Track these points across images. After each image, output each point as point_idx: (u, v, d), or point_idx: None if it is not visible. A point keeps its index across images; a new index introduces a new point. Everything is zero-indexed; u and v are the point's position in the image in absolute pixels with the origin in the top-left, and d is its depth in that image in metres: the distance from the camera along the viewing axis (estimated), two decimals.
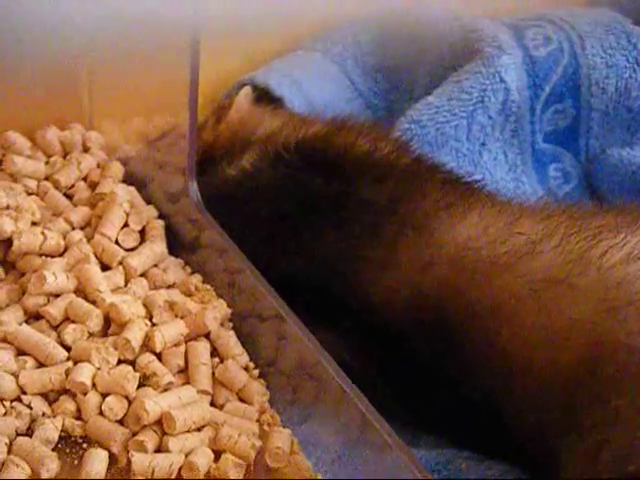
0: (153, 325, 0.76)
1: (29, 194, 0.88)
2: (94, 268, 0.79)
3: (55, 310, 0.76)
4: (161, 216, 0.87)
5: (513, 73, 0.96)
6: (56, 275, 0.77)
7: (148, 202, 0.88)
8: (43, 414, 0.70)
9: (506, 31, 0.99)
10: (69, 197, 0.89)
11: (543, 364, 0.68)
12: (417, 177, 0.82)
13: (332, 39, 1.07)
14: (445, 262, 0.74)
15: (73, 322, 0.75)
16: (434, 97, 0.95)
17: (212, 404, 0.74)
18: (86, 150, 0.94)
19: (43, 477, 0.66)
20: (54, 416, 0.70)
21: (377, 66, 1.06)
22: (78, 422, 0.70)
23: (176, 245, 0.86)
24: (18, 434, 0.69)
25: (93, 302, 0.77)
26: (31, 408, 0.70)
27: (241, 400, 0.75)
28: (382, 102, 1.06)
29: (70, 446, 0.70)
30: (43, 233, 0.81)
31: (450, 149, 0.96)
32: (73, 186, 0.90)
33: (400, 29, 1.05)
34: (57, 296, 0.77)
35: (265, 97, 0.99)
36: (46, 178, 0.90)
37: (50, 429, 0.69)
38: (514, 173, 1.00)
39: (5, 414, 0.69)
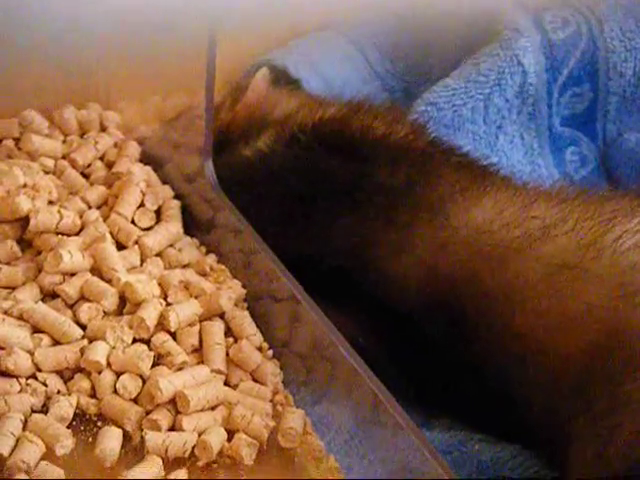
0: (168, 305, 0.77)
1: (46, 173, 0.88)
2: (110, 247, 0.79)
3: (71, 289, 0.76)
4: (177, 196, 0.87)
5: (531, 56, 0.96)
6: (72, 254, 0.77)
7: (164, 182, 0.89)
8: (58, 392, 0.71)
9: (524, 14, 0.98)
10: (86, 176, 0.89)
11: (556, 348, 0.68)
12: (432, 160, 0.82)
13: (349, 20, 1.06)
14: (459, 245, 0.74)
15: (88, 301, 0.76)
16: (451, 79, 0.95)
17: (226, 384, 0.74)
18: (103, 129, 0.94)
19: (58, 454, 0.67)
20: (69, 394, 0.71)
21: (395, 48, 1.06)
22: (93, 400, 0.71)
23: (192, 225, 0.86)
24: (33, 411, 0.69)
25: (109, 281, 0.77)
26: (46, 385, 0.71)
27: (255, 380, 0.75)
28: (399, 84, 1.06)
29: (84, 424, 0.70)
30: (60, 212, 0.81)
31: (467, 132, 0.96)
32: (90, 165, 0.90)
33: (417, 9, 1.04)
34: (73, 275, 0.77)
35: (282, 78, 0.99)
36: (63, 157, 0.91)
37: (65, 407, 0.70)
38: (531, 156, 0.99)
39: (20, 391, 0.70)
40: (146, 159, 0.91)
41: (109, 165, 0.90)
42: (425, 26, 1.04)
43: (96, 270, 0.78)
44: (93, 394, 0.71)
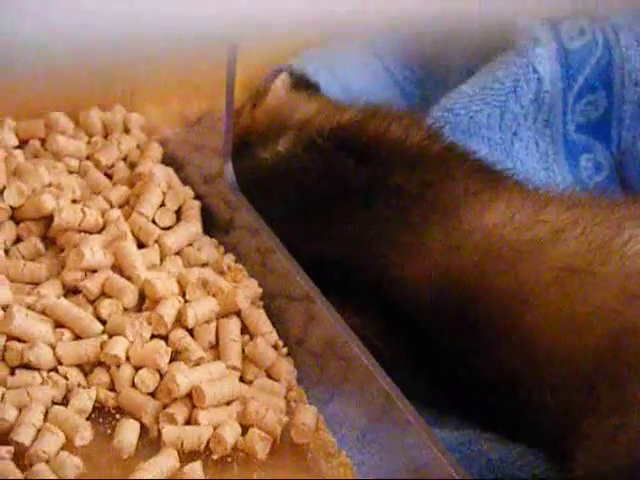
0: (186, 302, 0.78)
1: (70, 172, 0.90)
2: (131, 245, 0.81)
3: (92, 285, 0.78)
4: (197, 197, 0.89)
5: (547, 64, 0.97)
6: (94, 251, 0.79)
7: (185, 183, 0.90)
8: (78, 385, 0.73)
9: (541, 23, 0.99)
10: (109, 176, 0.91)
11: (565, 349, 0.69)
12: (447, 164, 0.83)
13: (369, 28, 1.08)
14: (472, 247, 0.76)
15: (109, 297, 0.78)
16: (467, 86, 0.97)
17: (241, 380, 0.76)
18: (127, 131, 0.96)
19: (77, 444, 0.69)
20: (89, 387, 0.73)
21: (413, 55, 1.07)
22: (111, 393, 0.73)
23: (211, 225, 0.88)
24: (54, 403, 0.71)
25: (129, 278, 0.79)
26: (67, 378, 0.73)
27: (269, 377, 0.77)
28: (417, 90, 1.07)
29: (103, 416, 0.72)
30: (83, 210, 0.83)
31: (482, 137, 0.97)
32: (113, 166, 0.92)
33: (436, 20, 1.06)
34: (94, 272, 0.80)
35: (302, 83, 1.01)
36: (87, 157, 0.93)
37: (85, 399, 0.72)
38: (545, 162, 1.01)
39: (42, 383, 0.72)
40: (168, 160, 0.93)
41: (132, 166, 0.92)
42: (442, 34, 1.05)
43: (117, 267, 0.80)
44: (112, 387, 0.73)
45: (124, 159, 0.93)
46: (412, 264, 0.78)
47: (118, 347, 0.73)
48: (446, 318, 0.76)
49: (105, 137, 0.95)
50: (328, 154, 0.85)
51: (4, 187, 0.84)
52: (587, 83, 1.00)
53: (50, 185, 0.86)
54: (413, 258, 0.78)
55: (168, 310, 0.76)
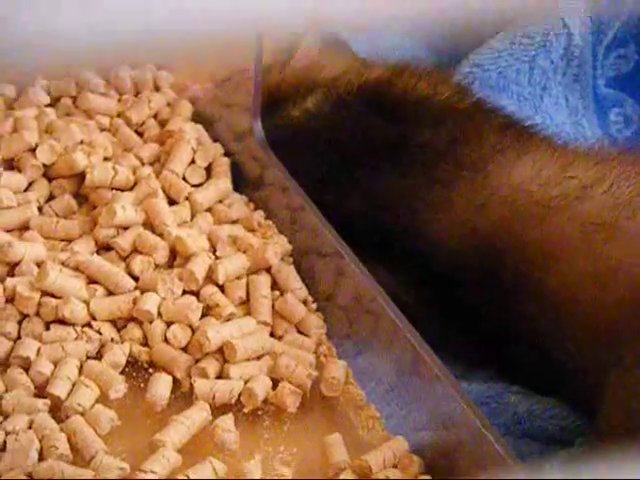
0: (217, 258, 0.79)
1: (102, 130, 0.91)
2: (161, 202, 0.82)
3: (124, 242, 0.79)
4: (227, 154, 0.90)
5: (576, 18, 0.97)
6: (125, 208, 0.80)
7: (215, 140, 0.91)
8: (112, 340, 0.74)
9: None
10: (139, 134, 0.92)
11: (590, 303, 0.70)
12: (475, 121, 0.84)
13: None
14: (499, 204, 0.76)
15: (141, 253, 0.79)
16: (496, 41, 0.97)
17: (271, 335, 0.77)
18: (157, 89, 0.97)
19: (111, 397, 0.70)
20: (122, 342, 0.74)
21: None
22: (144, 348, 0.74)
23: (241, 182, 0.89)
24: (88, 357, 0.73)
25: (160, 235, 0.80)
26: (100, 334, 0.74)
27: (299, 332, 0.78)
28: (448, 46, 1.07)
29: (136, 371, 0.74)
30: (114, 168, 0.84)
31: (511, 93, 0.97)
32: (143, 123, 0.93)
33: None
34: (126, 229, 0.81)
35: (332, 41, 1.01)
36: (118, 115, 0.93)
37: (118, 354, 0.73)
38: (575, 117, 1.00)
39: (76, 339, 0.74)
40: (198, 118, 0.93)
41: (162, 123, 0.93)
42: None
43: (148, 224, 0.81)
44: (145, 342, 0.75)
45: (154, 117, 0.94)
46: (440, 220, 0.79)
47: (150, 303, 0.75)
48: (473, 273, 0.77)
49: (135, 95, 0.96)
50: (356, 111, 0.86)
51: (37, 145, 0.86)
52: (617, 37, 1.00)
53: (82, 143, 0.87)
54: (441, 214, 0.79)
55: (199, 266, 0.77)
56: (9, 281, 0.75)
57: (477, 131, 0.82)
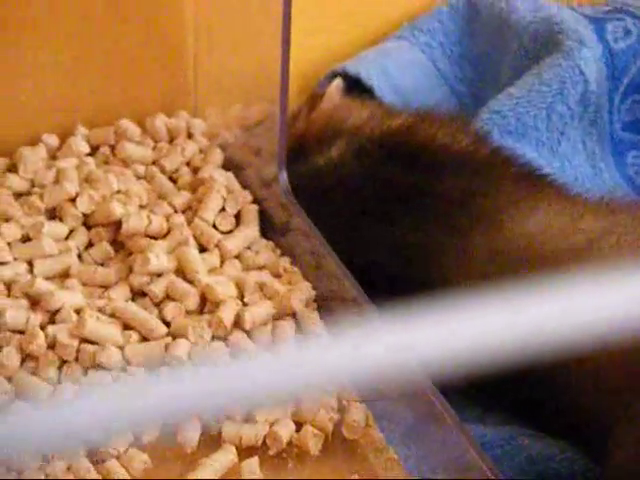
0: (244, 305, 0.84)
1: (138, 178, 0.96)
2: (193, 251, 0.86)
3: (157, 289, 0.84)
4: (255, 200, 0.94)
5: (592, 66, 1.00)
6: (159, 257, 0.85)
7: (244, 186, 0.95)
8: None
9: (587, 24, 1.02)
10: (173, 180, 0.97)
11: (596, 353, 0.73)
12: (492, 171, 0.87)
13: (419, 28, 1.12)
14: (511, 254, 0.80)
15: (173, 300, 0.83)
16: (515, 88, 1.00)
17: None
18: (190, 136, 1.02)
19: (144, 441, 0.75)
20: None
21: (463, 54, 1.11)
22: None
23: (268, 228, 0.93)
24: None
25: (191, 282, 0.84)
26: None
27: None
28: (467, 89, 1.11)
29: None
30: (149, 217, 0.89)
31: (530, 138, 1.00)
32: (177, 170, 0.98)
33: (486, 19, 1.09)
34: (159, 275, 0.85)
35: (355, 86, 1.05)
36: (153, 162, 0.98)
37: None
38: (592, 160, 1.04)
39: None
40: (228, 164, 0.98)
41: (194, 170, 0.98)
42: (493, 34, 1.08)
43: (180, 271, 0.86)
44: None
45: (187, 164, 0.99)
46: (456, 269, 0.82)
47: (181, 349, 0.79)
48: None
49: (170, 142, 1.01)
50: (377, 161, 0.90)
51: (77, 194, 0.91)
52: (632, 83, 1.03)
53: (119, 192, 0.92)
54: (457, 263, 0.82)
55: (227, 313, 0.81)
56: (50, 329, 0.80)
57: (493, 181, 0.86)
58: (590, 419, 0.74)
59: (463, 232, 0.83)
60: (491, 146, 0.92)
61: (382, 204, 0.87)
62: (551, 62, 1.00)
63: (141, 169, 0.97)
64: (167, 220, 0.91)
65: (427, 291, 0.83)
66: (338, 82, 1.02)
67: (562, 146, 1.01)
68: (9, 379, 0.78)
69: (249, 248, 0.90)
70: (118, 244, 0.90)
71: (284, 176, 0.90)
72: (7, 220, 0.89)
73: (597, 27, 1.02)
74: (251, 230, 0.91)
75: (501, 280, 0.80)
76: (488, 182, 0.86)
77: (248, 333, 0.82)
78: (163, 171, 0.97)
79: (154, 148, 1.00)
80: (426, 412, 0.74)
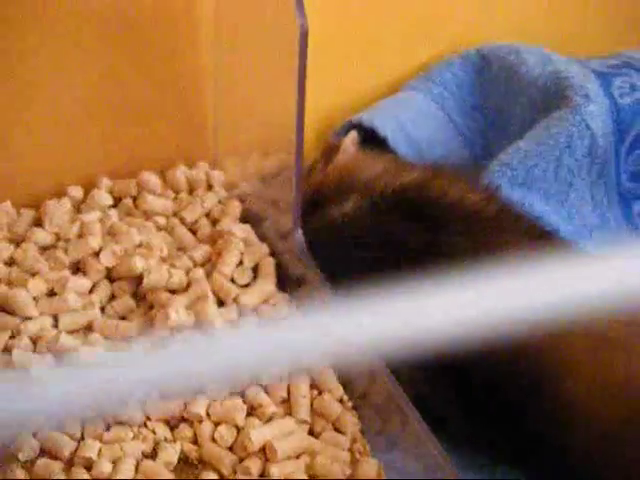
0: None
1: (159, 230, 1.00)
2: (212, 307, 0.90)
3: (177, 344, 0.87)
4: (272, 253, 0.98)
5: (599, 121, 1.02)
6: (179, 312, 0.89)
7: (262, 239, 0.99)
8: (165, 439, 0.82)
9: (594, 80, 1.05)
10: (193, 232, 1.01)
11: (598, 416, 0.76)
12: (498, 230, 0.90)
13: (432, 79, 1.15)
14: None
15: None
16: (524, 142, 1.03)
17: (310, 431, 0.84)
18: (209, 187, 1.05)
19: None
20: (174, 441, 0.83)
21: (476, 105, 1.14)
22: (194, 447, 0.82)
23: (285, 279, 0.96)
24: (144, 456, 0.81)
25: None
26: (155, 433, 0.83)
27: (336, 429, 0.85)
28: (480, 139, 1.14)
29: (187, 467, 0.82)
30: (169, 271, 0.92)
31: (539, 189, 1.03)
32: (197, 222, 1.01)
33: (496, 71, 1.12)
34: (179, 330, 0.89)
35: (370, 137, 1.08)
36: (174, 214, 1.02)
37: (171, 453, 0.81)
38: (600, 210, 1.06)
39: (133, 438, 0.82)
40: (246, 216, 1.01)
41: (214, 222, 1.01)
42: (504, 86, 1.11)
43: (199, 325, 0.89)
44: (195, 441, 0.83)
45: (207, 215, 1.02)
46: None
47: (200, 405, 0.83)
48: (492, 375, 0.83)
49: (190, 192, 1.05)
50: (389, 218, 0.93)
51: (100, 249, 0.95)
52: (638, 136, 1.06)
53: (140, 245, 0.96)
54: None
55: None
56: None
57: (499, 241, 0.89)
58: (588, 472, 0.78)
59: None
60: (500, 203, 0.94)
61: (393, 261, 0.90)
62: (559, 116, 1.03)
63: (162, 221, 1.00)
64: (187, 273, 0.94)
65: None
66: (353, 135, 1.05)
67: (570, 197, 1.04)
68: (34, 434, 0.82)
69: (266, 301, 0.94)
70: (140, 296, 0.94)
71: (299, 233, 0.93)
72: (33, 275, 0.93)
73: (604, 82, 1.05)
74: (268, 284, 0.94)
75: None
76: (494, 241, 0.89)
77: (265, 388, 0.86)
78: (183, 222, 1.00)
79: (174, 199, 1.04)
80: (432, 465, 0.77)
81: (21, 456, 0.80)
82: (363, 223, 0.94)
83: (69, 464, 0.80)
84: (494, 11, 1.21)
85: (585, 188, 1.05)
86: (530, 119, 1.06)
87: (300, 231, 0.93)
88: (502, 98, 1.12)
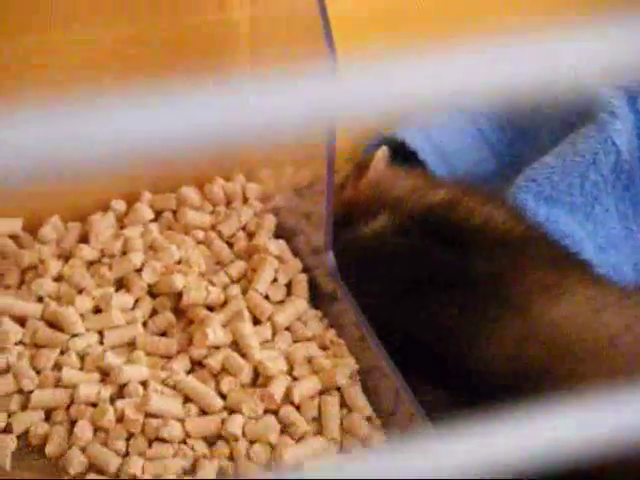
0: (294, 379, 0.92)
1: (198, 243, 1.04)
2: (247, 326, 0.94)
3: (214, 362, 0.92)
4: (305, 269, 1.02)
5: (624, 137, 1.05)
6: (216, 332, 0.93)
7: (295, 254, 1.03)
8: (203, 456, 0.88)
9: (620, 96, 1.07)
10: (230, 244, 1.05)
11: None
12: (523, 253, 0.93)
13: (461, 93, 1.17)
14: (537, 342, 0.87)
15: (229, 374, 0.92)
16: (550, 157, 1.06)
17: (340, 449, 0.89)
18: (245, 200, 1.09)
19: None
20: (212, 457, 0.88)
21: (505, 117, 1.16)
22: (231, 463, 0.88)
23: (316, 296, 1.00)
24: (185, 472, 0.87)
25: (244, 355, 0.93)
26: (194, 450, 0.88)
27: (365, 447, 0.90)
28: (508, 150, 1.16)
29: None
30: (207, 289, 0.97)
31: (564, 204, 1.05)
32: (233, 235, 1.06)
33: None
34: (217, 348, 0.94)
35: (401, 151, 1.11)
36: (212, 227, 1.06)
37: (209, 470, 0.86)
38: (625, 222, 1.09)
39: (174, 455, 0.87)
40: (280, 230, 1.05)
41: (249, 235, 1.05)
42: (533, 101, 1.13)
43: (234, 344, 0.94)
44: (231, 457, 0.88)
45: (243, 228, 1.06)
46: (486, 351, 0.89)
47: (236, 425, 0.88)
48: (516, 400, 0.87)
49: (227, 205, 1.09)
50: (417, 238, 0.96)
51: (142, 265, 0.99)
52: None
53: (180, 262, 1.00)
54: (487, 345, 0.89)
55: (278, 389, 0.90)
56: (119, 403, 0.89)
57: (524, 265, 0.92)
58: None
59: (493, 315, 0.90)
60: (525, 224, 0.98)
61: (420, 281, 0.94)
62: (585, 133, 1.05)
63: (200, 234, 1.04)
64: (224, 289, 0.99)
65: (460, 370, 0.91)
66: (384, 150, 1.08)
67: (595, 210, 1.07)
68: (83, 450, 0.88)
69: (299, 319, 0.98)
70: (179, 311, 0.99)
71: (330, 255, 0.97)
72: (80, 291, 0.98)
73: (630, 99, 1.07)
74: (301, 301, 0.99)
75: (525, 366, 0.87)
76: (519, 265, 0.92)
77: (297, 406, 0.91)
78: (220, 236, 1.05)
79: (212, 212, 1.08)
80: None
81: (71, 470, 0.87)
82: (392, 242, 0.98)
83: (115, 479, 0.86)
84: None
85: (610, 202, 1.07)
86: (558, 133, 1.09)
87: (331, 254, 0.97)
88: (531, 111, 1.14)
